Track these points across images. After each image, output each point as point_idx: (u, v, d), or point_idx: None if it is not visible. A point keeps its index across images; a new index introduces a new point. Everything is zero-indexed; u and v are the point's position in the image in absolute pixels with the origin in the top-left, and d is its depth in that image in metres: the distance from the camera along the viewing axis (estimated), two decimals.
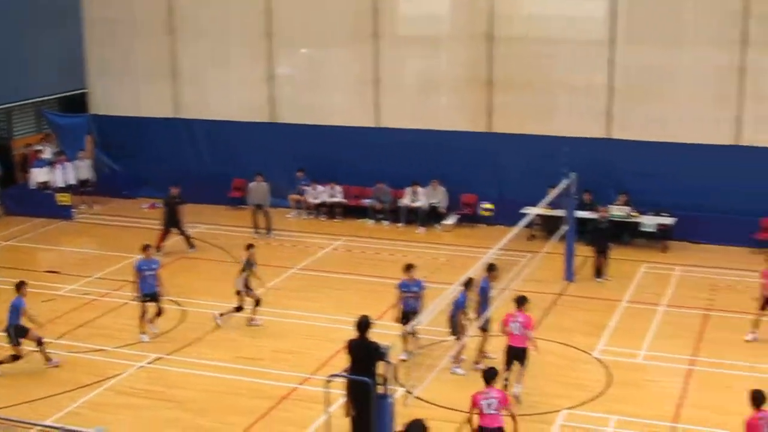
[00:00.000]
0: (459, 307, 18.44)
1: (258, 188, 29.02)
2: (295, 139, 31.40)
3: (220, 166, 32.49)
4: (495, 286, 19.02)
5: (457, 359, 18.67)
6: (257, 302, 21.75)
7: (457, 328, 18.45)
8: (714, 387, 18.19)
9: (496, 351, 18.47)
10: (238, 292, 21.56)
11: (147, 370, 19.38)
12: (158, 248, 26.19)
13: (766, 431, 13.08)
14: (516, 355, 17.33)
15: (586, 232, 25.34)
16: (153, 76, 33.02)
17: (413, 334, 18.79)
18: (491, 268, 18.91)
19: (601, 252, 24.48)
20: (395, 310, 19.27)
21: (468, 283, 18.47)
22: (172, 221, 27.32)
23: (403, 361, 18.54)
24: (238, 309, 21.62)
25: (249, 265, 21.69)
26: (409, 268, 19.19)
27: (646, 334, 20.75)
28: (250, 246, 22.01)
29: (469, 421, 14.56)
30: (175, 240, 27.43)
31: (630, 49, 27.86)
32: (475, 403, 14.35)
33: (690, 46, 27.32)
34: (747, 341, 20.15)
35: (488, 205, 28.71)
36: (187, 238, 27.45)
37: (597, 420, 16.88)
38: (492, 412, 14.30)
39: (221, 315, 21.66)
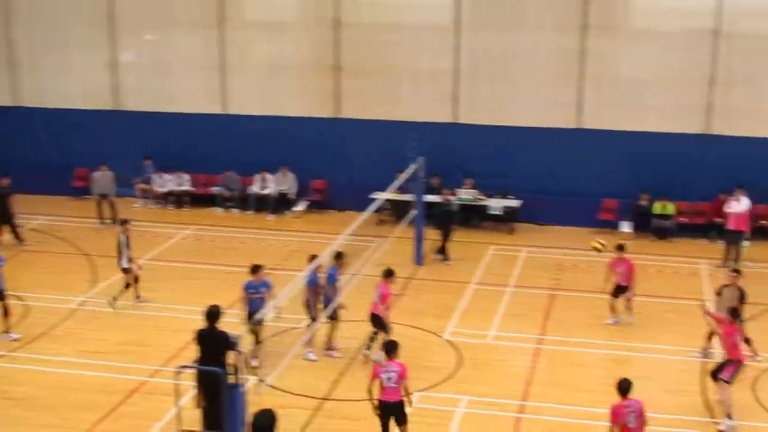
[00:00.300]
0: (311, 285, 18.36)
1: (102, 177, 28.36)
2: (140, 127, 30.84)
3: (62, 155, 31.61)
4: (343, 273, 19.03)
5: (310, 344, 18.60)
6: (136, 279, 21.58)
7: (312, 310, 18.37)
8: (561, 364, 18.66)
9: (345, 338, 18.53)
10: (125, 270, 21.40)
11: None
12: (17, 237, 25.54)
13: (630, 419, 13.25)
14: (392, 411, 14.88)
15: (432, 215, 25.60)
16: None
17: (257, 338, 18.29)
18: (339, 256, 18.90)
19: (447, 234, 24.79)
20: (241, 310, 18.48)
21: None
22: (3, 214, 26.24)
23: (255, 367, 18.13)
24: (128, 286, 21.48)
25: (127, 242, 21.45)
26: (256, 269, 18.33)
27: (495, 314, 21.14)
28: (124, 221, 21.87)
29: (370, 391, 14.55)
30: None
31: (474, 34, 28.33)
32: (375, 376, 14.40)
33: (532, 30, 27.96)
34: (608, 324, 20.56)
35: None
36: (16, 231, 26.39)
37: (448, 401, 17.09)
38: (392, 385, 14.37)
39: (114, 299, 21.41)
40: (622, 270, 20.04)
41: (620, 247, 20.34)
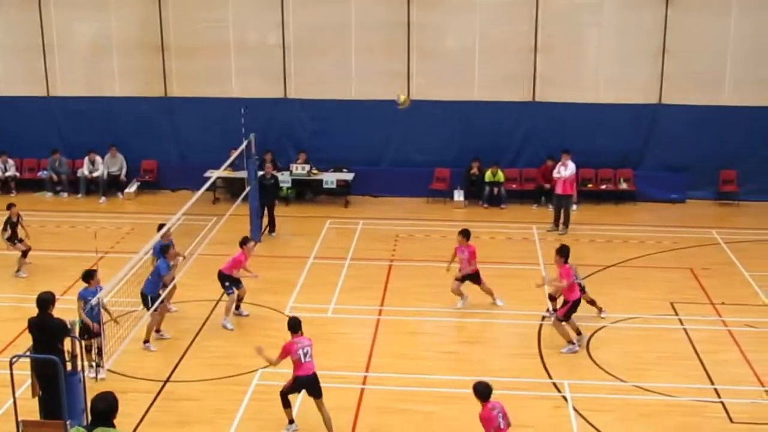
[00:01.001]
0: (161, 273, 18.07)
1: None
2: None
3: None
4: (172, 265, 18.67)
5: (149, 334, 18.23)
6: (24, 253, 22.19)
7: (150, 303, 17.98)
8: (401, 334, 18.94)
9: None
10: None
11: None
12: None
13: (500, 421, 13.01)
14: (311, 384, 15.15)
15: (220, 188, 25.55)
16: None
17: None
18: (165, 249, 18.59)
19: (270, 208, 24.73)
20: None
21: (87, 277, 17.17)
22: None
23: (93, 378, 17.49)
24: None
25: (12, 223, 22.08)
26: (89, 275, 16.92)
27: (334, 288, 21.27)
28: (11, 205, 22.42)
29: (271, 363, 14.88)
30: None
31: (301, 8, 28.33)
32: (288, 352, 14.62)
33: (357, 3, 28.16)
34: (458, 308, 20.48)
35: None
36: None
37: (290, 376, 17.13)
38: (309, 360, 14.81)
39: (18, 271, 22.00)
40: (465, 256, 20.07)
41: (465, 234, 19.90)
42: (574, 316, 18.01)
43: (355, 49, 28.35)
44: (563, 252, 18.20)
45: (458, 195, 27.78)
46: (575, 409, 15.85)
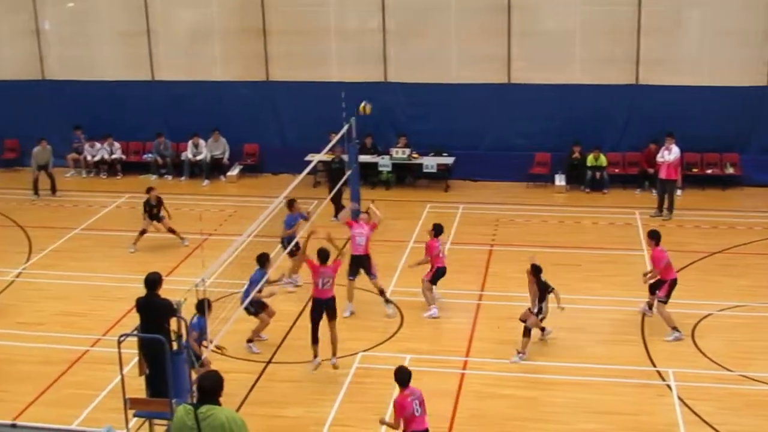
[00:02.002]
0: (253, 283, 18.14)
1: (43, 153, 27.76)
2: (67, 96, 30.36)
3: None
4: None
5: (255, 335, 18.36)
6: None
7: (256, 307, 18.12)
8: (501, 319, 18.78)
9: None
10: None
11: None
12: None
13: (416, 408, 13.04)
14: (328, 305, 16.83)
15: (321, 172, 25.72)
16: None
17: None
18: (290, 203, 20.04)
19: (339, 191, 24.56)
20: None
21: (263, 261, 18.00)
22: None
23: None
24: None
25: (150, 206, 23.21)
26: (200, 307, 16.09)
27: None
28: (150, 189, 23.56)
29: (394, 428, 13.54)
30: None
31: None
32: (403, 409, 13.22)
33: None
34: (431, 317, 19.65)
35: None
36: None
37: (392, 360, 17.12)
38: (328, 287, 16.73)
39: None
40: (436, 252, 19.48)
41: (436, 230, 19.54)
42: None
43: (455, 33, 28.20)
44: (654, 235, 18.11)
45: (559, 179, 27.50)
46: (680, 398, 15.62)
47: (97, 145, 29.76)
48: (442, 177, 27.69)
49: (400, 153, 27.65)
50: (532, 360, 17.08)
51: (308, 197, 25.16)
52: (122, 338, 13.58)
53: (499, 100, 27.97)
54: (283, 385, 16.53)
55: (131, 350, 14.88)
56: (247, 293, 17.61)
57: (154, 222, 23.26)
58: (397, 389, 13.24)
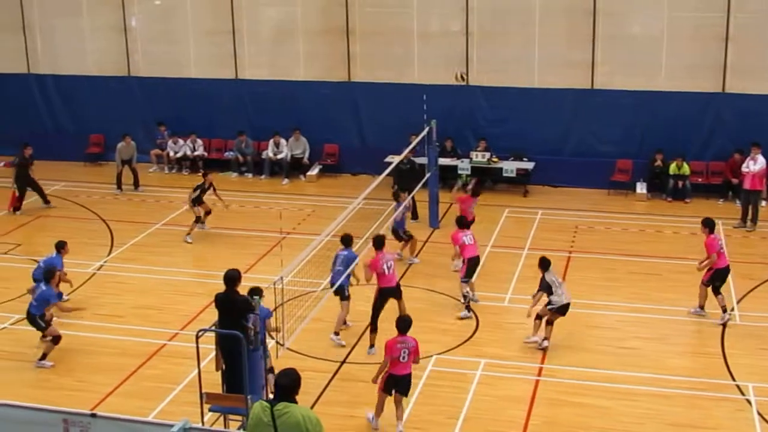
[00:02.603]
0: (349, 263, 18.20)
1: (127, 148, 28.23)
2: (152, 93, 30.81)
3: (75, 121, 31.68)
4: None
5: (339, 326, 18.44)
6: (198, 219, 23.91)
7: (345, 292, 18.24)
8: (578, 326, 18.59)
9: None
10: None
11: (11, 332, 18.86)
12: (16, 209, 25.78)
13: (403, 354, 14.52)
14: (401, 383, 15.13)
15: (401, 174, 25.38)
16: (1, 28, 31.83)
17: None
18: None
19: (408, 192, 24.44)
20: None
21: (347, 241, 18.24)
22: (26, 182, 26.38)
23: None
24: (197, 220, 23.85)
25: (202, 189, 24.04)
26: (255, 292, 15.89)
27: (512, 277, 21.13)
28: (206, 173, 24.66)
29: (381, 368, 14.89)
30: (34, 199, 26.75)
31: None
32: (374, 268, 16.87)
33: None
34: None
35: None
36: (43, 194, 26.66)
37: (466, 364, 17.18)
38: (391, 273, 17.27)
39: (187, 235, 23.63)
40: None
41: (459, 222, 19.95)
42: None
43: (539, 37, 27.99)
44: (708, 223, 18.73)
45: (641, 187, 27.13)
46: (759, 414, 15.32)
47: (180, 141, 30.14)
48: (522, 182, 27.53)
49: (479, 156, 27.54)
50: (608, 369, 16.88)
51: (387, 199, 25.19)
52: (200, 333, 13.74)
53: (581, 106, 27.73)
54: (357, 385, 16.55)
55: (209, 345, 15.08)
56: (336, 277, 17.89)
57: (196, 206, 23.95)
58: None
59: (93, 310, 19.64)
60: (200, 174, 25.50)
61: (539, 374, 16.86)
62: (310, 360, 17.15)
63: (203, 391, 13.75)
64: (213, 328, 14.34)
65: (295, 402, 9.82)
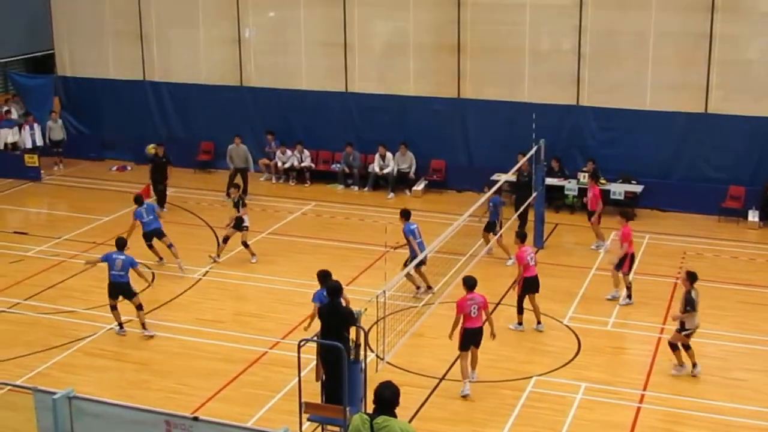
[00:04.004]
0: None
1: (238, 151, 28.62)
2: (262, 103, 31.22)
3: (187, 129, 32.27)
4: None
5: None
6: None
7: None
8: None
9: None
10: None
11: (115, 333, 19.26)
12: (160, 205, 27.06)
13: (473, 310, 16.32)
14: (474, 337, 16.85)
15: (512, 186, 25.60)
16: (120, 37, 32.63)
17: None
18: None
19: (524, 205, 24.36)
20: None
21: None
22: (158, 178, 27.20)
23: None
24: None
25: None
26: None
27: (616, 301, 20.76)
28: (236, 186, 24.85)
29: (455, 324, 16.56)
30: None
31: (598, 14, 27.75)
32: (461, 309, 16.47)
33: (658, 11, 27.25)
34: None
35: None
36: (162, 197, 27.34)
37: (567, 387, 16.97)
38: (476, 314, 16.56)
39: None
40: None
41: (521, 237, 19.79)
42: None
43: (652, 59, 27.57)
44: None
45: (753, 215, 26.46)
46: None
47: (288, 152, 30.43)
48: (629, 204, 27.09)
49: (587, 177, 27.22)
50: (712, 399, 16.51)
51: None
52: (302, 343, 13.84)
53: (693, 130, 27.20)
54: (455, 402, 16.50)
55: (309, 355, 15.19)
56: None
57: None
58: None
59: (195, 315, 19.97)
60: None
61: (641, 401, 16.57)
62: (409, 375, 17.13)
63: (302, 400, 13.83)
64: (315, 338, 14.43)
65: (395, 416, 9.81)
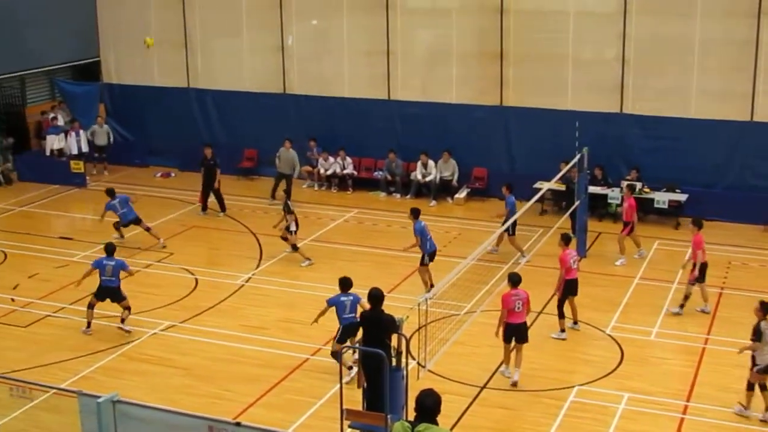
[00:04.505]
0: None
1: (287, 154, 28.78)
2: (305, 111, 31.32)
3: (230, 136, 32.46)
4: None
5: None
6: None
7: None
8: (727, 366, 18.01)
9: None
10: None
11: (159, 337, 19.46)
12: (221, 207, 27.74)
13: (517, 305, 17.00)
14: (516, 331, 17.37)
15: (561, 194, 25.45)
16: (164, 44, 32.91)
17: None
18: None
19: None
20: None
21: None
22: (208, 182, 27.56)
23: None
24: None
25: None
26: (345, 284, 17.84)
27: (659, 311, 20.64)
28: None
29: (500, 319, 17.17)
30: (190, 209, 27.70)
31: (642, 21, 27.54)
32: (506, 304, 17.07)
33: (703, 18, 27.01)
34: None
35: None
36: (219, 201, 27.76)
37: (609, 397, 16.88)
38: (519, 310, 17.27)
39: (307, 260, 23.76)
40: None
41: (565, 239, 19.76)
42: None
43: (697, 66, 27.34)
44: None
45: None
46: None
47: (330, 159, 30.51)
48: (673, 213, 26.91)
49: (624, 188, 26.99)
50: (756, 412, 16.29)
51: (534, 225, 25.05)
52: (344, 350, 13.85)
53: (739, 138, 26.95)
54: (496, 411, 16.48)
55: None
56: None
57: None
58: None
59: (238, 321, 20.08)
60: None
61: (684, 412, 16.44)
62: (450, 383, 17.11)
63: (344, 407, 13.85)
64: (356, 345, 14.44)
65: (437, 424, 9.79)
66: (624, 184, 25.79)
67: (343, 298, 17.49)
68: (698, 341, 19.21)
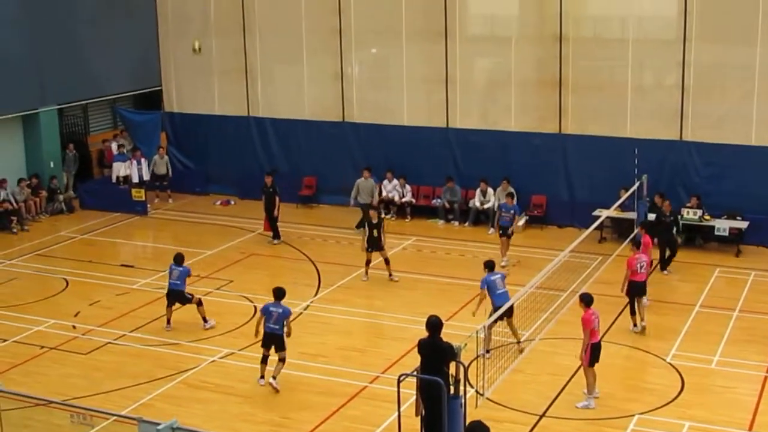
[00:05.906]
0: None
1: (365, 184, 28.86)
2: (364, 139, 31.49)
3: (290, 164, 32.71)
4: None
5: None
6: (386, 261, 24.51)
7: None
8: None
9: None
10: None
11: (218, 365, 19.60)
12: (275, 237, 28.00)
13: (596, 324, 17.23)
14: (600, 351, 17.54)
15: (654, 226, 24.96)
16: (225, 74, 33.34)
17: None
18: None
19: (666, 245, 24.23)
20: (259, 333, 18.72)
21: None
22: (269, 209, 27.87)
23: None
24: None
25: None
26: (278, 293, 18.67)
27: (720, 339, 20.42)
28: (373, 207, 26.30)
29: (585, 343, 17.21)
30: (250, 236, 27.97)
31: (702, 47, 27.33)
32: (587, 323, 17.18)
33: (764, 44, 26.69)
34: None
35: None
36: (274, 229, 27.96)
37: (670, 425, 16.71)
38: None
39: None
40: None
41: (586, 300, 17.71)
42: None
43: (758, 93, 27.09)
44: None
45: None
46: None
47: (389, 186, 30.51)
48: (734, 241, 26.62)
49: (691, 213, 26.82)
50: None
51: (593, 252, 24.92)
52: (402, 378, 13.91)
53: None
54: None
55: (409, 390, 15.23)
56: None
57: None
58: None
59: (297, 348, 20.11)
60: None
61: None
62: (508, 411, 17.05)
63: None
64: (415, 373, 14.48)
65: None
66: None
67: (272, 309, 18.38)
68: (760, 369, 18.96)
